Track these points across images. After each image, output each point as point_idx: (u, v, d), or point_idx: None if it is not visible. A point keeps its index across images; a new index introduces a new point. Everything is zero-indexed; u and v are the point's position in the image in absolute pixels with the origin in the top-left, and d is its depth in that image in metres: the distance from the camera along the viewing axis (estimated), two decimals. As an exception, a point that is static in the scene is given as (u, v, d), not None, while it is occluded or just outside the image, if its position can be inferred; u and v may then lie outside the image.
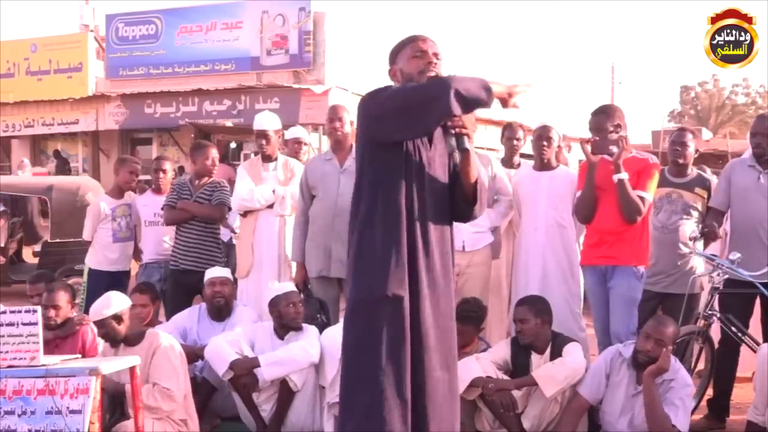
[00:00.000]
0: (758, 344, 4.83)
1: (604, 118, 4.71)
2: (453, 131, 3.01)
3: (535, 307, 4.58)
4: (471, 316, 4.76)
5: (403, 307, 2.95)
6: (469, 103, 2.88)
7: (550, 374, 4.40)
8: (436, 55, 3.08)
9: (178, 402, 4.24)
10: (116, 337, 4.36)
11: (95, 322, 4.40)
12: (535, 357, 4.58)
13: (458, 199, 3.18)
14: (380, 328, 2.94)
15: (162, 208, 5.98)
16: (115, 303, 4.38)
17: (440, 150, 3.14)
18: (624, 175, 4.55)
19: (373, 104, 3.02)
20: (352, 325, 3.05)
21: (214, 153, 6.05)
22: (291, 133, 6.71)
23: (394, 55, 3.15)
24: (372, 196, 3.06)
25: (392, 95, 3.00)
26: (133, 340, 4.36)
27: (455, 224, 4.98)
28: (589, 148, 4.69)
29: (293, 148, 6.68)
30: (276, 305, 4.84)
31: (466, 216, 3.25)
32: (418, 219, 3.03)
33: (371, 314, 2.97)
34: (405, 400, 2.93)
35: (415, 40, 3.09)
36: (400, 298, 2.95)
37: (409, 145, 3.05)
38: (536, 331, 4.55)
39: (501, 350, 4.68)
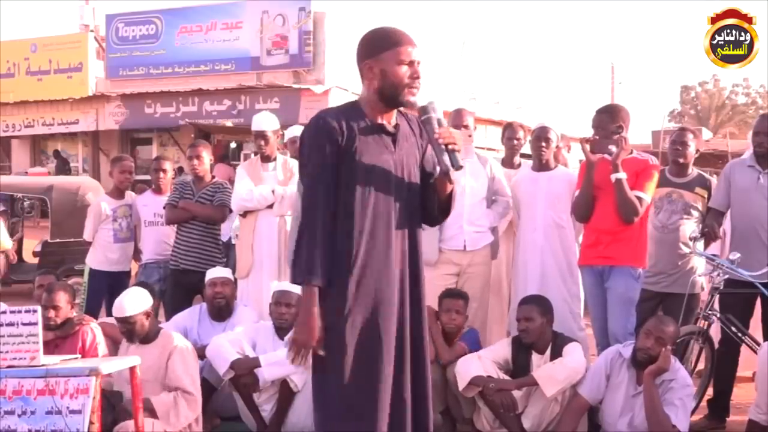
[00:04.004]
0: (758, 344, 4.82)
1: (607, 117, 4.72)
2: (445, 148, 2.80)
3: (541, 306, 4.59)
4: (460, 293, 4.84)
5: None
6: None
7: (551, 374, 4.41)
8: (419, 63, 2.89)
9: (199, 410, 4.30)
10: (141, 334, 4.41)
11: (123, 318, 4.40)
12: (535, 357, 4.58)
13: (429, 208, 3.04)
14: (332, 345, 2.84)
15: (164, 207, 5.99)
16: (145, 300, 4.46)
17: (407, 148, 2.98)
18: (622, 175, 4.54)
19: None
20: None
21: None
22: (289, 133, 6.68)
23: (374, 49, 2.87)
24: None
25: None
26: (151, 337, 4.44)
27: (456, 224, 5.15)
28: (588, 147, 4.69)
29: (293, 147, 6.65)
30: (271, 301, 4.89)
31: (435, 223, 3.15)
32: (381, 227, 2.89)
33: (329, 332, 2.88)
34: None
35: (404, 45, 2.85)
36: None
37: (364, 155, 2.86)
38: (541, 330, 4.55)
39: (501, 350, 4.68)
